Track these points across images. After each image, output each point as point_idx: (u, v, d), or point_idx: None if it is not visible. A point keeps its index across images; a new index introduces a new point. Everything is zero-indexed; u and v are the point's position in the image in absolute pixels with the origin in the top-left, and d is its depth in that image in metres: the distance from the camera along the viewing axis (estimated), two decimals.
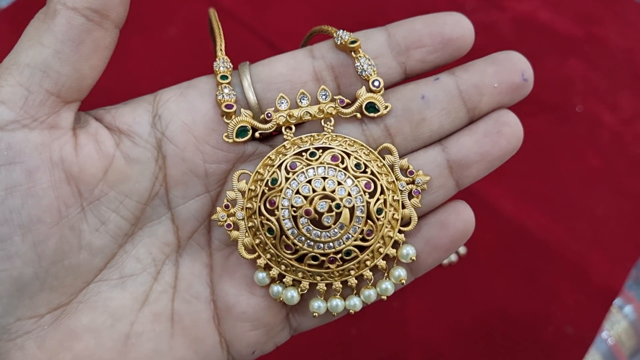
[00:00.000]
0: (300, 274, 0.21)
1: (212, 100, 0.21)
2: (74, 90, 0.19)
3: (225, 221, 0.20)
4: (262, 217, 0.20)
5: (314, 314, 0.21)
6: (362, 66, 0.20)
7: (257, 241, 0.20)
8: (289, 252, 0.20)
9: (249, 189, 0.20)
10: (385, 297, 0.21)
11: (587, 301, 0.42)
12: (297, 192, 0.20)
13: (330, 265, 0.20)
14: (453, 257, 0.43)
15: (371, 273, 0.21)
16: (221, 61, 0.21)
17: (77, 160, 0.19)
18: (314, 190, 0.20)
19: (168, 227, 0.21)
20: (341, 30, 0.21)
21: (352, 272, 0.21)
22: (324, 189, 0.20)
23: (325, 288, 0.21)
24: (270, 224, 0.20)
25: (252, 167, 0.21)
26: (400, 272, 0.21)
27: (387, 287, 0.21)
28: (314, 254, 0.20)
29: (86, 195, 0.19)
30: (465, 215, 0.21)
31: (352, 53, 0.20)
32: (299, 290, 0.21)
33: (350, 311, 0.21)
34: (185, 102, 0.21)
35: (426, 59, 0.21)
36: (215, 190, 0.21)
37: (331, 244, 0.20)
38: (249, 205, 0.20)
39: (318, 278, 0.21)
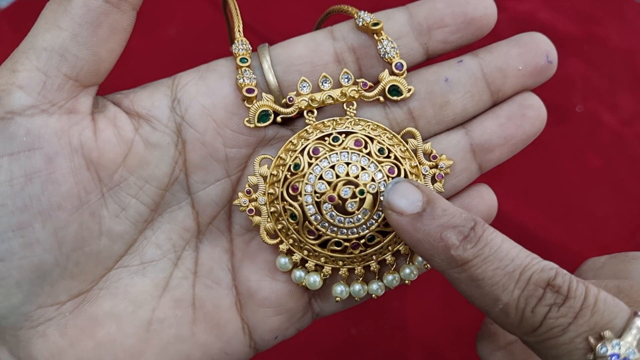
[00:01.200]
0: (322, 259, 0.20)
1: (231, 83, 0.20)
2: (92, 74, 0.19)
3: (247, 206, 0.20)
4: (285, 202, 0.20)
5: (337, 298, 0.21)
6: (385, 48, 0.20)
7: (280, 226, 0.20)
8: (312, 237, 0.20)
9: (271, 174, 0.20)
10: (408, 282, 0.21)
11: None
12: (321, 178, 0.19)
13: (354, 251, 0.20)
14: None
15: (394, 258, 0.21)
16: (240, 43, 0.21)
17: (96, 146, 0.19)
18: (337, 176, 0.19)
19: (188, 212, 0.21)
20: (362, 12, 0.20)
21: (375, 257, 0.21)
22: (347, 175, 0.19)
23: (347, 273, 0.21)
24: (293, 209, 0.20)
25: (273, 151, 0.21)
26: None
27: (411, 271, 0.21)
28: (337, 239, 0.20)
29: (106, 181, 0.19)
30: (488, 198, 0.21)
31: (375, 35, 0.20)
32: (322, 275, 0.21)
33: (373, 296, 0.21)
34: (205, 85, 0.20)
35: (448, 39, 0.20)
36: (236, 175, 0.21)
37: (355, 230, 0.20)
38: (271, 190, 0.20)
39: (340, 263, 0.20)
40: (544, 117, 0.21)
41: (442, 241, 0.18)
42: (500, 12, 0.54)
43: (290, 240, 0.20)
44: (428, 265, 0.21)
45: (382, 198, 0.19)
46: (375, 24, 0.20)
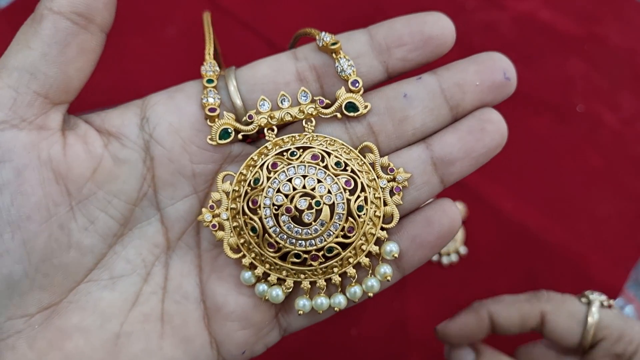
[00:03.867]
0: (284, 272, 0.21)
1: (198, 102, 0.21)
2: (62, 91, 0.20)
3: (211, 222, 0.21)
4: (246, 216, 0.20)
5: (299, 312, 0.21)
6: (342, 67, 0.21)
7: (242, 241, 0.21)
8: (272, 250, 0.20)
9: (233, 190, 0.21)
10: (371, 295, 0.21)
11: None
12: (278, 191, 0.20)
13: (313, 263, 0.20)
14: (453, 257, 0.43)
15: (354, 270, 0.21)
16: (208, 65, 0.22)
17: (65, 160, 0.19)
18: (294, 189, 0.20)
19: (157, 228, 0.21)
20: (323, 33, 0.21)
21: (335, 270, 0.21)
22: (304, 187, 0.20)
23: (309, 286, 0.21)
24: (253, 222, 0.20)
25: (237, 167, 0.21)
26: (385, 269, 0.21)
27: (373, 284, 0.21)
28: (296, 251, 0.20)
29: (75, 194, 0.20)
30: (451, 212, 0.21)
31: (333, 54, 0.21)
32: (284, 288, 0.21)
33: (335, 309, 0.21)
34: (173, 104, 0.21)
35: (407, 57, 0.21)
36: (203, 191, 0.22)
37: (312, 241, 0.20)
38: (233, 205, 0.21)
39: (302, 276, 0.21)
40: (504, 131, 0.21)
41: None
42: (501, 11, 0.55)
43: (253, 254, 0.21)
44: (389, 277, 0.21)
45: (338, 209, 0.20)
46: (334, 44, 0.21)
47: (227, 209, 0.21)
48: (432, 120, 0.21)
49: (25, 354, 0.19)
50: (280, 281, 0.21)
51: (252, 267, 0.21)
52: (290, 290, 0.21)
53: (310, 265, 0.21)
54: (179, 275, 0.22)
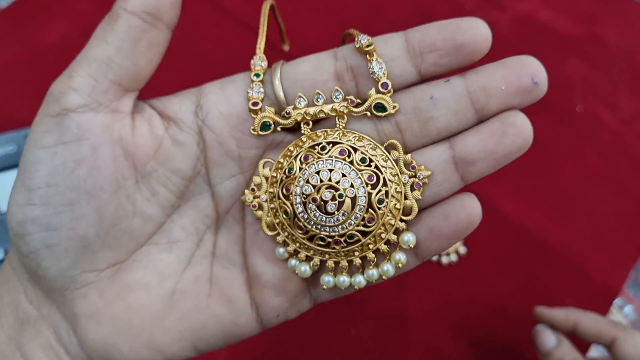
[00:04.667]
0: (311, 252, 0.23)
1: (244, 94, 0.24)
2: (133, 80, 0.22)
3: (252, 202, 0.23)
4: (280, 200, 0.23)
5: (323, 286, 0.23)
6: (373, 69, 0.22)
7: (277, 221, 0.23)
8: (301, 232, 0.23)
9: (272, 176, 0.23)
10: (385, 277, 0.23)
11: (587, 301, 0.42)
12: (307, 181, 0.22)
13: (336, 246, 0.23)
14: (453, 257, 0.43)
15: (373, 255, 0.23)
16: (257, 59, 0.24)
17: (133, 140, 0.22)
18: (321, 180, 0.22)
19: (208, 202, 0.24)
20: (362, 35, 0.22)
21: (357, 253, 0.23)
22: (329, 180, 0.22)
23: (333, 265, 0.23)
24: (286, 207, 0.23)
25: (278, 154, 0.24)
26: (400, 256, 0.23)
27: (388, 268, 0.23)
28: (321, 235, 0.23)
29: (140, 170, 0.23)
30: (470, 207, 0.22)
31: (367, 56, 0.22)
32: (311, 265, 0.23)
33: (355, 287, 0.23)
34: (223, 94, 0.24)
35: (439, 62, 0.22)
36: (249, 172, 0.24)
37: (335, 228, 0.22)
38: (272, 189, 0.23)
39: (327, 256, 0.23)
40: (528, 135, 0.22)
41: None
42: (500, 12, 0.55)
43: (286, 233, 0.23)
44: (401, 264, 0.23)
45: (360, 202, 0.22)
46: (368, 46, 0.22)
47: (265, 192, 0.23)
48: (457, 122, 0.22)
49: (95, 302, 0.22)
50: (309, 258, 0.24)
51: (285, 244, 0.24)
52: (317, 267, 0.23)
53: (334, 248, 0.23)
54: (226, 243, 0.25)
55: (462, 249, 0.44)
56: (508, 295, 0.42)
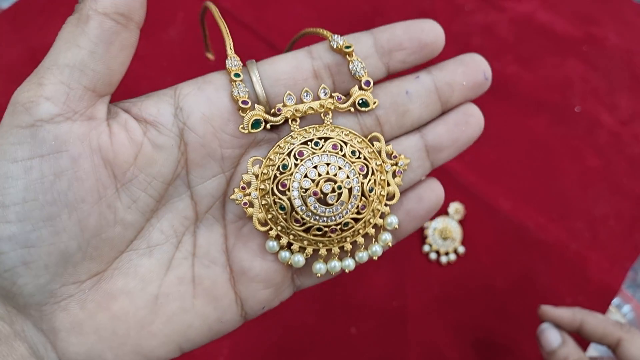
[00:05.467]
0: (305, 242, 0.24)
1: (226, 94, 0.24)
2: (107, 84, 0.22)
3: (242, 200, 0.24)
4: (275, 196, 0.24)
5: (317, 274, 0.25)
6: (356, 68, 0.24)
7: (270, 216, 0.24)
8: (297, 224, 0.24)
9: (262, 173, 0.24)
10: (375, 258, 0.25)
11: (586, 300, 0.42)
12: (305, 176, 0.24)
13: (332, 235, 0.24)
14: (452, 257, 0.44)
15: (363, 239, 0.25)
16: (232, 59, 0.24)
17: (112, 148, 0.22)
18: (319, 175, 0.23)
19: (187, 203, 0.24)
20: (336, 35, 0.24)
21: (348, 239, 0.25)
22: (327, 173, 0.24)
23: (326, 253, 0.25)
24: (282, 202, 0.24)
25: (262, 152, 0.25)
26: (386, 236, 0.25)
27: (377, 249, 0.25)
28: (319, 226, 0.24)
29: (120, 178, 0.22)
30: (437, 190, 0.26)
31: (347, 56, 0.24)
32: (305, 255, 0.25)
33: (346, 270, 0.25)
34: (203, 96, 0.24)
35: (406, 60, 0.25)
36: (229, 171, 0.25)
37: (333, 218, 0.24)
38: (262, 186, 0.24)
39: (320, 245, 0.25)
40: (482, 124, 0.26)
41: None
42: (499, 12, 0.55)
43: (279, 227, 0.24)
44: (390, 243, 0.25)
45: (355, 191, 0.24)
46: (348, 47, 0.24)
47: (256, 189, 0.24)
48: (427, 114, 0.25)
49: (76, 314, 0.22)
50: (302, 249, 0.25)
51: (277, 237, 0.24)
52: (309, 256, 0.25)
53: (329, 236, 0.24)
54: (207, 243, 0.25)
55: (461, 249, 0.44)
56: (507, 294, 0.42)
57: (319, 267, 0.25)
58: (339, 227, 0.24)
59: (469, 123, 0.25)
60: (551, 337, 0.36)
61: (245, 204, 0.24)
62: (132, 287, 0.23)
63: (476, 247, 0.44)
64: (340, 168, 0.24)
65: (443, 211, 0.45)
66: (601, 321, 0.35)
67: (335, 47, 0.24)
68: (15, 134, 0.20)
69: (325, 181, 0.23)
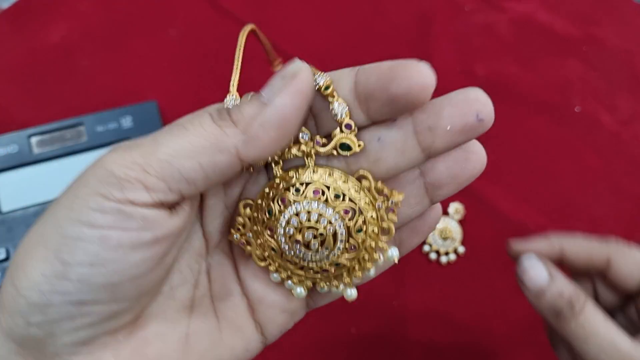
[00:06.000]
0: (303, 278, 0.25)
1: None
2: (195, 194, 0.22)
3: (239, 240, 0.24)
4: (265, 239, 0.24)
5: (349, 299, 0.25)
6: (335, 110, 0.22)
7: (267, 254, 0.25)
8: (291, 265, 0.24)
9: (253, 216, 0.24)
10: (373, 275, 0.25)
11: None
12: (288, 223, 0.23)
13: (327, 272, 0.24)
14: (452, 257, 0.44)
15: (361, 274, 0.25)
16: (231, 99, 0.23)
17: (180, 225, 0.22)
18: (301, 223, 0.23)
19: (202, 242, 0.25)
20: (318, 74, 0.22)
21: (345, 276, 0.25)
22: (308, 220, 0.23)
23: (326, 287, 0.25)
24: (272, 244, 0.24)
25: (257, 188, 0.25)
26: (392, 252, 0.24)
27: (371, 273, 0.25)
28: (312, 266, 0.24)
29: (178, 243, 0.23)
30: (431, 220, 0.25)
31: (328, 97, 0.22)
32: (305, 287, 0.25)
33: (348, 300, 0.25)
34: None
35: (382, 111, 0.21)
36: (232, 206, 0.25)
37: (319, 263, 0.24)
38: (255, 227, 0.24)
39: (318, 280, 0.25)
40: (484, 160, 0.23)
41: (550, 313, 0.29)
42: (499, 13, 0.55)
43: (276, 264, 0.25)
44: (396, 259, 0.24)
45: (340, 235, 0.23)
46: (327, 88, 0.22)
47: (250, 231, 0.24)
48: (404, 161, 0.22)
49: None
50: (301, 281, 0.25)
51: (278, 271, 0.25)
52: (309, 289, 0.25)
53: (325, 273, 0.24)
54: (221, 276, 0.25)
55: (461, 249, 0.44)
56: (507, 294, 0.42)
57: (350, 293, 0.25)
58: (332, 267, 0.24)
59: (469, 160, 0.23)
60: (536, 272, 0.29)
61: (242, 243, 0.24)
62: (163, 330, 0.23)
63: (476, 247, 0.44)
64: (321, 215, 0.23)
65: (443, 211, 0.45)
66: (583, 242, 0.30)
67: (316, 87, 0.22)
68: (99, 202, 0.19)
69: (307, 228, 0.23)
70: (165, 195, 0.20)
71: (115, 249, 0.20)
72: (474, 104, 0.21)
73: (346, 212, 0.23)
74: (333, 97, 0.22)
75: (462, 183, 0.24)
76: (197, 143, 0.20)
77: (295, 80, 0.20)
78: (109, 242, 0.19)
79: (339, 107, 0.22)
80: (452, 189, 0.24)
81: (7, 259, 0.41)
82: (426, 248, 0.44)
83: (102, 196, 0.19)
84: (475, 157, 0.23)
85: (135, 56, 0.52)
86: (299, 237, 0.23)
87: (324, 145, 0.23)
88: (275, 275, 0.25)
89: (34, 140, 0.44)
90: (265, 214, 0.24)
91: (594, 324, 0.28)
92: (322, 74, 0.22)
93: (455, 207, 0.45)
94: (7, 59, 0.52)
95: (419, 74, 0.20)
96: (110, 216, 0.19)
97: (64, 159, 0.44)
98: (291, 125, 0.21)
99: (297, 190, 0.23)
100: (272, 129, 0.20)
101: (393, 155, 0.22)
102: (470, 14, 0.54)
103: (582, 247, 0.31)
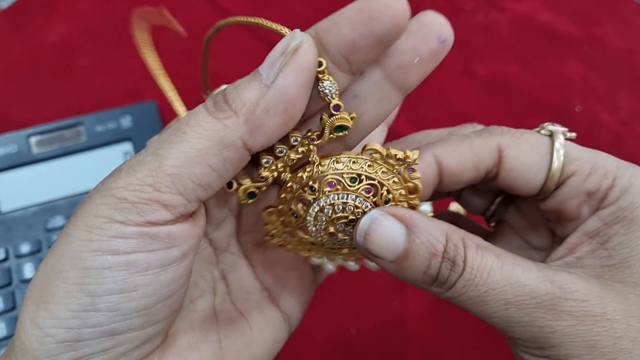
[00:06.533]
0: (339, 258, 0.26)
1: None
2: (212, 196, 0.20)
3: (278, 243, 0.25)
4: (301, 237, 0.25)
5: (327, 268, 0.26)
6: (325, 90, 0.20)
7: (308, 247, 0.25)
8: (331, 249, 0.25)
9: (281, 220, 0.24)
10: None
11: None
12: (316, 219, 0.23)
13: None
14: None
15: None
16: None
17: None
18: (328, 217, 0.23)
19: (209, 251, 0.25)
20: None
21: None
22: (335, 213, 0.23)
23: (356, 263, 0.26)
24: (311, 241, 0.25)
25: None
26: (426, 207, 0.26)
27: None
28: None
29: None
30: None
31: (318, 74, 0.20)
32: (334, 263, 0.26)
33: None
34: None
35: (366, 59, 0.20)
36: (235, 208, 0.25)
37: (347, 243, 0.24)
38: (288, 229, 0.24)
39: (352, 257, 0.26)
40: (448, 29, 0.20)
41: (425, 283, 0.22)
42: (499, 12, 0.55)
43: (318, 252, 0.26)
44: (430, 214, 0.26)
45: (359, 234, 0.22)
46: (320, 64, 0.19)
47: (284, 233, 0.25)
48: (384, 107, 0.21)
49: None
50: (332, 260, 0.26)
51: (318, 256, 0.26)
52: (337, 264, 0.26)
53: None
54: (238, 278, 0.25)
55: None
56: None
57: (352, 265, 0.26)
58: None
59: (431, 29, 0.19)
60: (389, 236, 0.21)
61: (281, 245, 0.25)
62: (195, 341, 0.22)
63: None
64: (345, 203, 0.22)
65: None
66: (460, 141, 0.22)
67: None
68: (118, 229, 0.18)
69: (337, 219, 0.23)
70: (185, 207, 0.19)
71: (145, 272, 0.19)
72: (433, 28, 0.20)
73: (368, 190, 0.22)
74: (324, 74, 0.20)
75: (430, 59, 0.20)
76: (200, 146, 0.18)
77: (297, 56, 0.18)
78: (137, 266, 0.18)
79: (330, 85, 0.20)
80: (420, 72, 0.20)
81: (6, 259, 0.41)
82: None
83: (121, 223, 0.18)
84: (437, 26, 0.20)
85: (135, 56, 0.52)
86: (332, 229, 0.23)
87: (318, 137, 0.21)
88: (316, 259, 0.26)
89: (33, 140, 0.44)
90: (291, 217, 0.24)
91: (489, 275, 0.21)
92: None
93: (456, 207, 0.45)
94: (7, 59, 0.52)
95: (391, 1, 0.18)
96: (134, 241, 0.18)
97: (63, 159, 0.44)
98: (297, 107, 0.19)
99: (312, 188, 0.22)
100: (276, 113, 0.18)
101: (373, 106, 0.21)
102: (471, 13, 0.54)
103: (461, 147, 0.23)
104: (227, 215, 0.25)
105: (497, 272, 0.21)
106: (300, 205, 0.23)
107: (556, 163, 0.22)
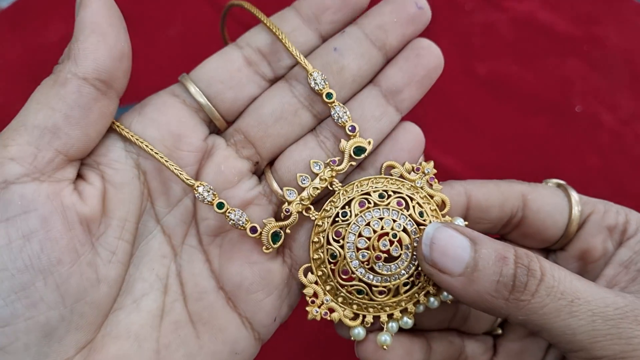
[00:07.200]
0: (371, 309, 0.23)
1: (168, 111, 0.22)
2: (81, 150, 0.20)
3: (320, 313, 0.23)
4: (345, 288, 0.23)
5: (383, 346, 0.23)
6: (338, 114, 0.22)
7: (355, 306, 0.23)
8: (382, 297, 0.23)
9: (318, 275, 0.23)
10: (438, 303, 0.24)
11: None
12: (357, 249, 0.22)
13: (400, 294, 0.23)
14: None
15: (425, 298, 0.23)
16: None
17: (81, 202, 0.20)
18: (369, 239, 0.22)
19: (161, 239, 0.23)
20: (316, 73, 0.22)
21: (418, 293, 0.23)
22: (374, 232, 0.22)
23: (387, 319, 0.24)
24: (356, 287, 0.22)
25: (213, 162, 0.23)
26: (459, 221, 0.24)
27: (434, 303, 0.24)
28: (381, 288, 0.23)
29: (94, 232, 0.20)
30: (414, 132, 0.24)
31: (328, 104, 0.23)
32: (365, 324, 0.24)
33: (404, 327, 0.24)
34: (147, 119, 0.22)
35: (334, 19, 0.23)
36: (191, 192, 0.23)
37: (402, 272, 0.22)
38: (330, 285, 0.23)
39: (386, 309, 0.23)
40: (438, 53, 0.23)
41: (499, 294, 0.19)
42: (500, 12, 0.55)
43: (354, 307, 0.23)
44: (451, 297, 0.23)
45: (409, 227, 0.22)
46: (329, 96, 0.22)
47: (325, 293, 0.23)
48: (366, 64, 0.23)
49: None
50: (375, 318, 0.24)
51: (361, 322, 0.23)
52: (369, 325, 0.24)
53: (397, 296, 0.23)
54: (192, 275, 0.23)
55: None
56: None
57: (384, 339, 0.24)
58: (410, 279, 0.22)
59: (420, 55, 0.23)
60: (455, 244, 0.20)
61: (325, 313, 0.23)
62: (127, 350, 0.20)
63: None
64: (381, 218, 0.22)
65: None
66: (494, 185, 0.24)
67: (315, 89, 0.22)
68: None
69: (379, 238, 0.22)
70: (39, 160, 0.19)
71: (8, 245, 0.18)
72: None
73: (399, 203, 0.23)
74: (333, 102, 0.22)
75: (422, 82, 0.23)
76: (37, 100, 0.20)
77: None
78: None
79: (341, 111, 0.22)
80: (414, 91, 0.23)
81: None
82: None
83: None
84: (426, 51, 0.23)
85: (134, 56, 0.52)
86: (376, 252, 0.22)
87: (339, 163, 0.23)
88: (357, 331, 0.23)
89: None
90: (329, 266, 0.22)
91: (571, 284, 0.19)
92: (318, 73, 0.22)
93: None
94: (7, 59, 0.52)
95: None
96: None
97: None
98: None
99: (344, 214, 0.22)
100: None
101: (354, 60, 0.23)
102: (471, 13, 0.54)
103: (489, 186, 0.24)
104: (182, 198, 0.23)
105: (576, 282, 0.19)
106: (334, 241, 0.22)
107: (576, 207, 0.24)
